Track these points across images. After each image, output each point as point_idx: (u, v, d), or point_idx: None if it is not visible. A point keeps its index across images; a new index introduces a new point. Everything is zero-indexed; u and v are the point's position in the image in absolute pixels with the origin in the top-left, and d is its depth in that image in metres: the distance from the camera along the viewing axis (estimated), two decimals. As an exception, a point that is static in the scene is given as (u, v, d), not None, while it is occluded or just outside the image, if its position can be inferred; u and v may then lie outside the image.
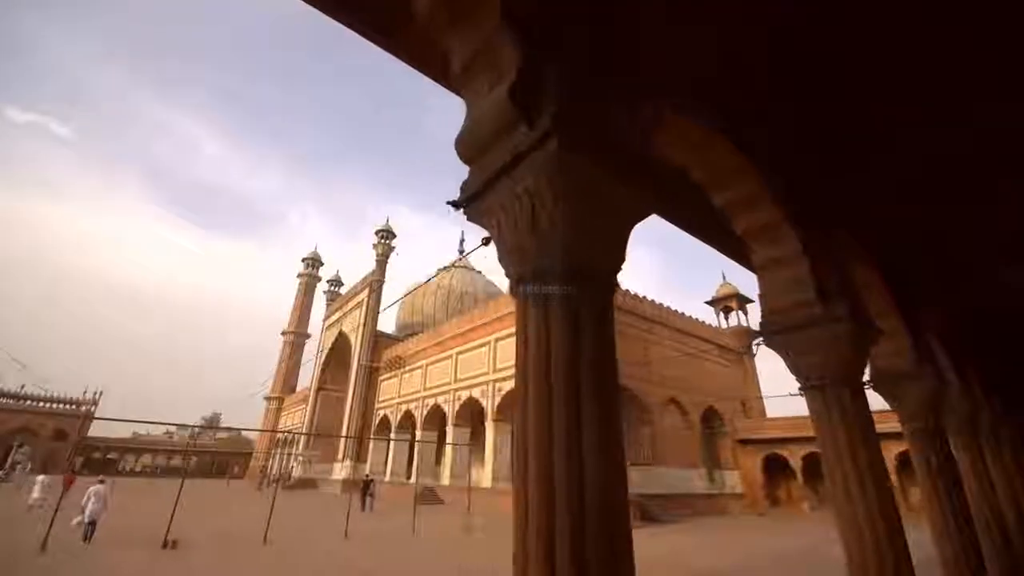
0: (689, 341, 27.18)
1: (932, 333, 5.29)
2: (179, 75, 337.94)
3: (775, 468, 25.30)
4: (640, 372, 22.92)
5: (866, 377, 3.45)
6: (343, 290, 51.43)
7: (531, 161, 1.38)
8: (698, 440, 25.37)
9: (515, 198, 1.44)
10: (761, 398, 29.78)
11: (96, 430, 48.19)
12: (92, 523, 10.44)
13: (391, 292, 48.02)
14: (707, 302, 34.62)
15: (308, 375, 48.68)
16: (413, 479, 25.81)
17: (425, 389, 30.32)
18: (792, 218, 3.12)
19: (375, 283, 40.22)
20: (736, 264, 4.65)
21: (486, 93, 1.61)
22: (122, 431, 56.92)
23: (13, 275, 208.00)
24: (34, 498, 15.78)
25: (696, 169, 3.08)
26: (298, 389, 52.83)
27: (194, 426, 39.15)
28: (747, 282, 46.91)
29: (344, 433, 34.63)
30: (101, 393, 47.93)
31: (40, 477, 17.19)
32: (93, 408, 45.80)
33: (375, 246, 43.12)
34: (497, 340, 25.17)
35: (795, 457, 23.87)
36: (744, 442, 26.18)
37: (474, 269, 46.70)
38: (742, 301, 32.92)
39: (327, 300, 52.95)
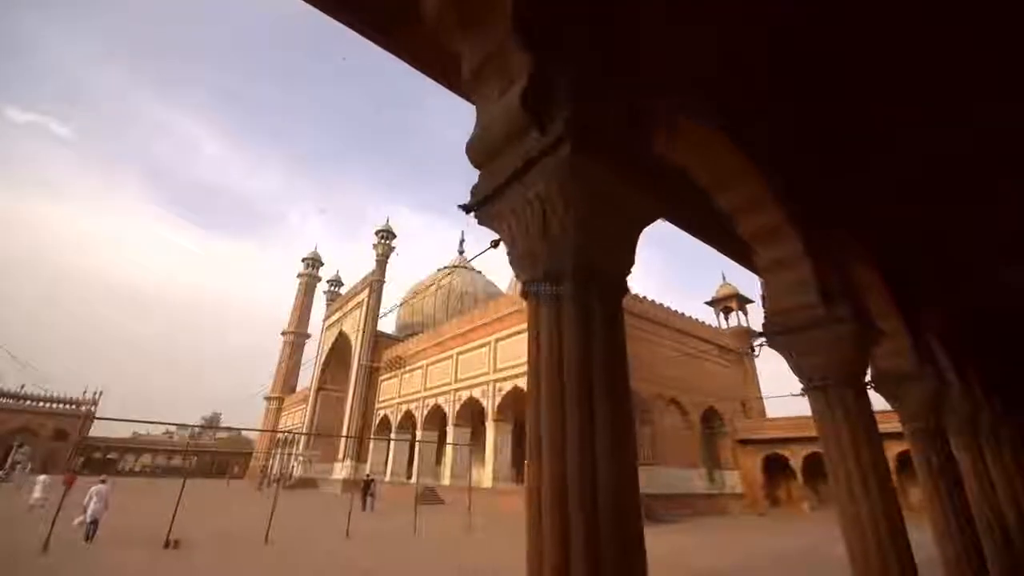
0: (689, 341, 27.16)
1: (932, 333, 5.30)
2: (179, 75, 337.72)
3: (775, 468, 25.31)
4: (640, 372, 22.92)
5: (867, 377, 3.46)
6: (343, 290, 51.43)
7: (542, 167, 1.39)
8: (698, 440, 25.36)
9: (526, 203, 1.44)
10: (761, 398, 29.78)
11: (96, 430, 48.08)
12: (94, 523, 10.46)
13: (391, 292, 48.08)
14: (707, 302, 34.61)
15: (308, 375, 48.74)
16: (414, 479, 25.84)
17: (425, 389, 30.32)
18: (793, 219, 3.13)
19: (375, 283, 40.24)
20: (736, 264, 4.66)
21: (496, 98, 1.61)
22: (122, 431, 56.87)
23: (13, 275, 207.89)
24: (35, 498, 15.77)
25: (698, 170, 3.09)
26: (298, 389, 52.77)
27: (194, 426, 39.27)
28: (747, 282, 46.89)
29: (344, 433, 34.61)
30: (101, 393, 48.04)
31: (41, 477, 17.15)
32: (93, 408, 45.81)
33: (375, 246, 43.15)
34: (497, 340, 25.19)
35: (795, 457, 23.87)
36: (744, 442, 26.19)
37: (474, 269, 46.70)
38: (742, 301, 32.91)
39: (327, 300, 52.92)
